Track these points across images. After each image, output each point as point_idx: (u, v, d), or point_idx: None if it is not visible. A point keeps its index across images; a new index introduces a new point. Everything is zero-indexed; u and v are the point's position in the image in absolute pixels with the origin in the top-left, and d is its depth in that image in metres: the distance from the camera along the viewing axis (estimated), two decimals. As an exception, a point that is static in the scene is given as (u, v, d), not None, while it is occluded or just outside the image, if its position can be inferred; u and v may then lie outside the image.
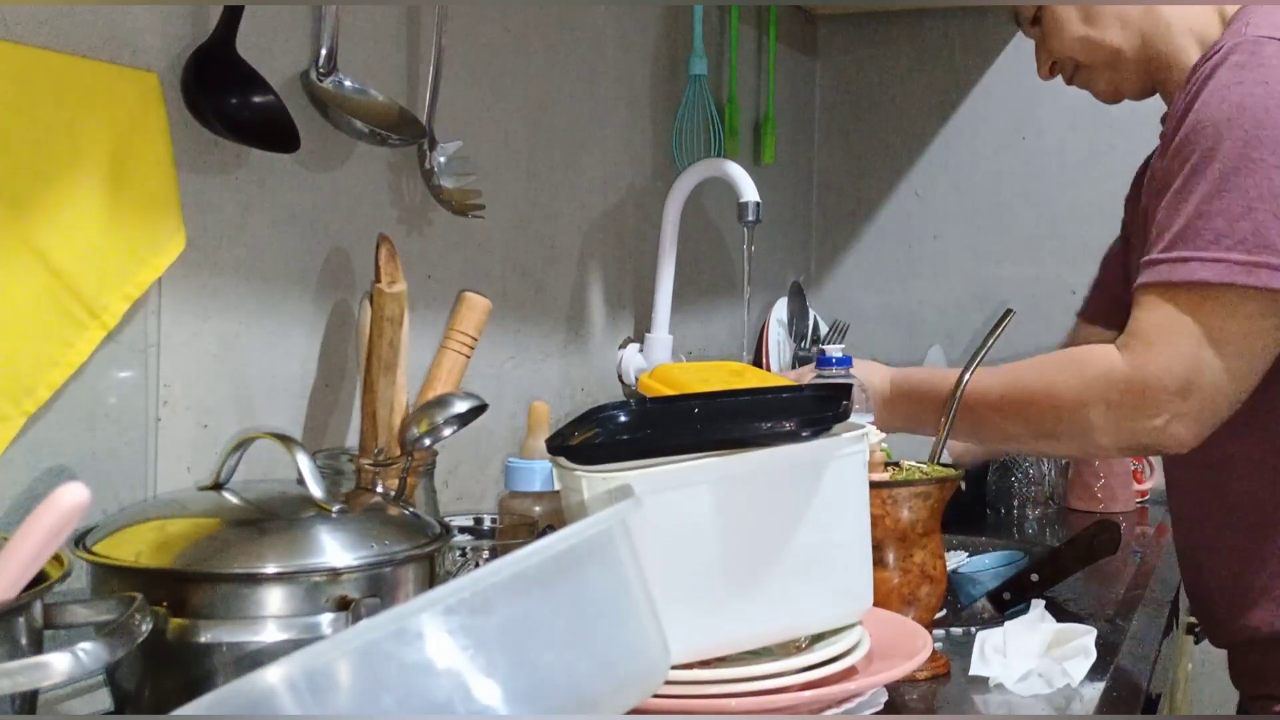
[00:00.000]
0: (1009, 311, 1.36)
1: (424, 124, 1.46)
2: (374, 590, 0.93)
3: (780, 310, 2.56)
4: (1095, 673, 1.22)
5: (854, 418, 1.08)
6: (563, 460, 1.03)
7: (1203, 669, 2.41)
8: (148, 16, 1.15)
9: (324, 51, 1.31)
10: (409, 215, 1.52)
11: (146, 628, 0.81)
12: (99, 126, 1.08)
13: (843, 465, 1.04)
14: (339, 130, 1.35)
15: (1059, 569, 1.54)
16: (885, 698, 1.09)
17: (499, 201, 1.66)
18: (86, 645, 0.74)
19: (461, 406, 1.24)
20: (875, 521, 1.14)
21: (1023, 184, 2.80)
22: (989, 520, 2.17)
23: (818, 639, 1.07)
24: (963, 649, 1.26)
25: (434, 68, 1.47)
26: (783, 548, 1.02)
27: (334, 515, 0.96)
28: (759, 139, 2.59)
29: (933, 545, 1.24)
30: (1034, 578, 1.51)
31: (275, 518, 0.97)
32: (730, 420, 1.12)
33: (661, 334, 2.03)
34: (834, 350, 2.29)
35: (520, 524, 1.35)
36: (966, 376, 1.32)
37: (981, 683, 1.20)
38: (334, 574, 0.92)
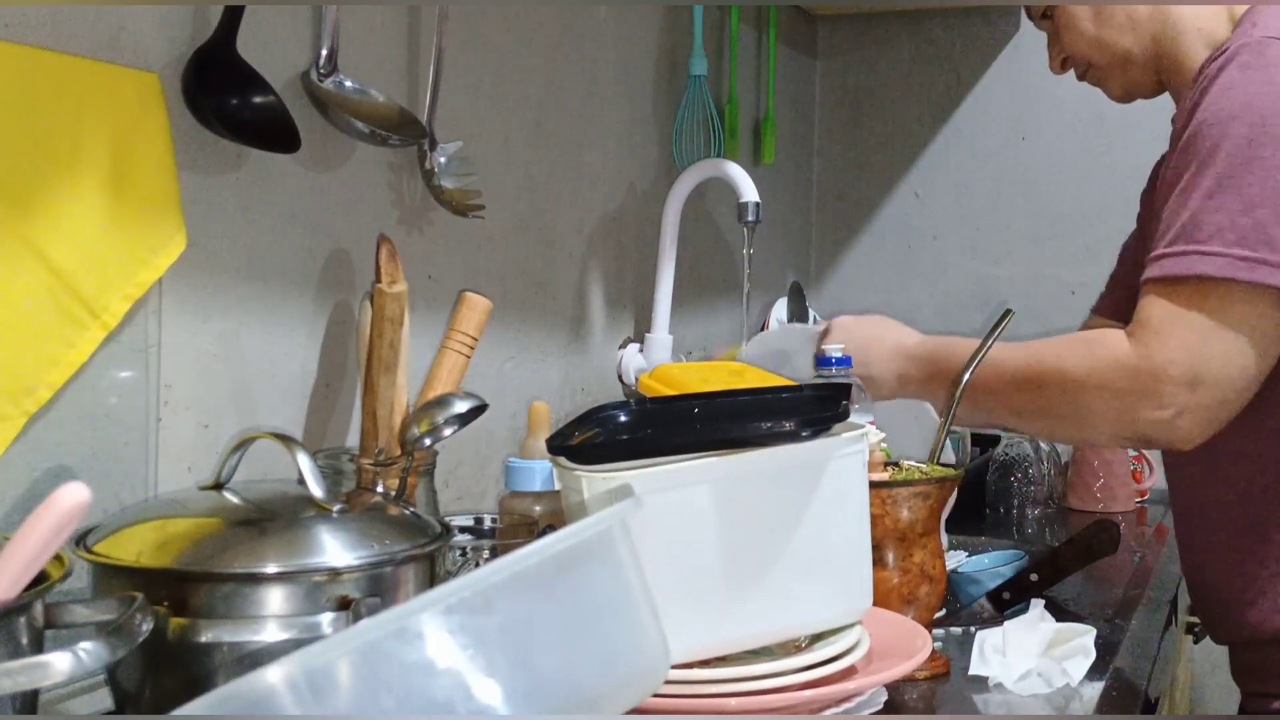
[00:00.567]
0: (1008, 311, 1.36)
1: (424, 124, 1.46)
2: (374, 590, 0.93)
3: (780, 310, 2.56)
4: (1094, 672, 1.22)
5: (853, 417, 1.08)
6: (563, 460, 1.03)
7: (1202, 668, 2.41)
8: (148, 17, 1.15)
9: (324, 52, 1.32)
10: (409, 215, 1.52)
11: (147, 627, 0.81)
12: (100, 127, 1.08)
13: (842, 465, 1.04)
14: (339, 131, 1.35)
15: (1058, 569, 1.54)
16: (885, 697, 1.09)
17: (499, 202, 1.66)
18: (87, 645, 0.74)
19: (462, 406, 1.24)
20: (875, 521, 1.14)
21: (1022, 184, 2.80)
22: (988, 520, 2.17)
23: (817, 638, 1.07)
24: (962, 649, 1.27)
25: (434, 68, 1.47)
26: (782, 547, 1.02)
27: (334, 515, 0.96)
28: (759, 139, 2.59)
29: (932, 545, 1.24)
30: (1033, 577, 1.51)
31: (276, 517, 0.97)
32: (730, 420, 1.12)
33: (661, 334, 2.03)
34: (833, 350, 2.30)
35: (520, 524, 1.35)
36: (966, 377, 1.32)
37: (981, 682, 1.20)
38: (334, 574, 0.92)
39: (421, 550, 0.98)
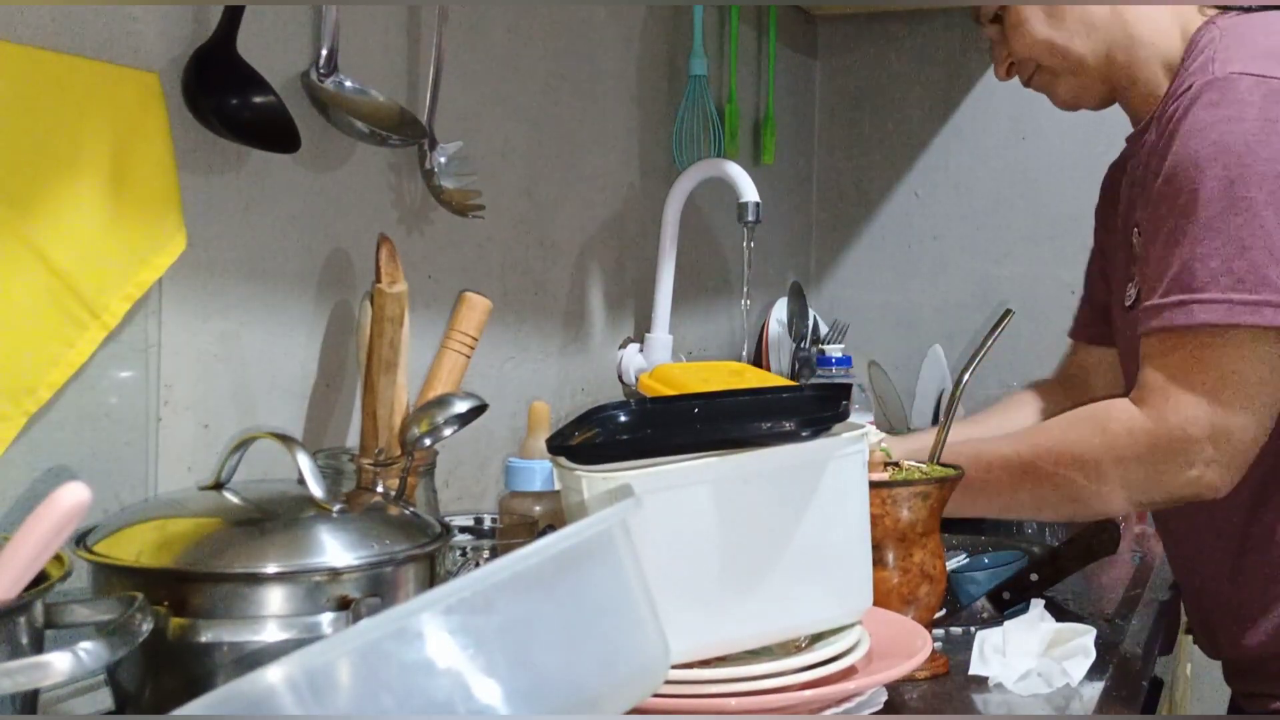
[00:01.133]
0: (1008, 311, 1.36)
1: (424, 124, 1.46)
2: (374, 590, 0.94)
3: (780, 310, 2.56)
4: (1094, 672, 1.22)
5: (853, 417, 1.08)
6: (563, 460, 1.03)
7: (1202, 668, 2.41)
8: (148, 17, 1.15)
9: (324, 52, 1.32)
10: (409, 215, 1.52)
11: (147, 627, 0.81)
12: (100, 127, 1.08)
13: (842, 465, 1.04)
14: (339, 131, 1.35)
15: (1058, 569, 1.54)
16: (885, 697, 1.09)
17: (499, 202, 1.66)
18: (87, 645, 0.74)
19: (462, 406, 1.24)
20: (875, 521, 1.14)
21: (1022, 184, 2.80)
22: (988, 520, 2.16)
23: (817, 638, 1.07)
24: (962, 648, 1.26)
25: (434, 68, 1.47)
26: (782, 547, 1.02)
27: (334, 515, 0.96)
28: (759, 139, 2.59)
29: (932, 545, 1.24)
30: (1033, 577, 1.51)
31: (276, 517, 0.97)
32: (730, 420, 1.12)
33: (661, 334, 2.03)
34: (834, 350, 2.29)
35: (520, 524, 1.35)
36: (965, 378, 1.32)
37: (981, 682, 1.20)
38: (334, 574, 0.92)
39: (421, 550, 0.98)
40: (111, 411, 1.13)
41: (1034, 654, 1.22)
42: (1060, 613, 1.43)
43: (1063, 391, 1.69)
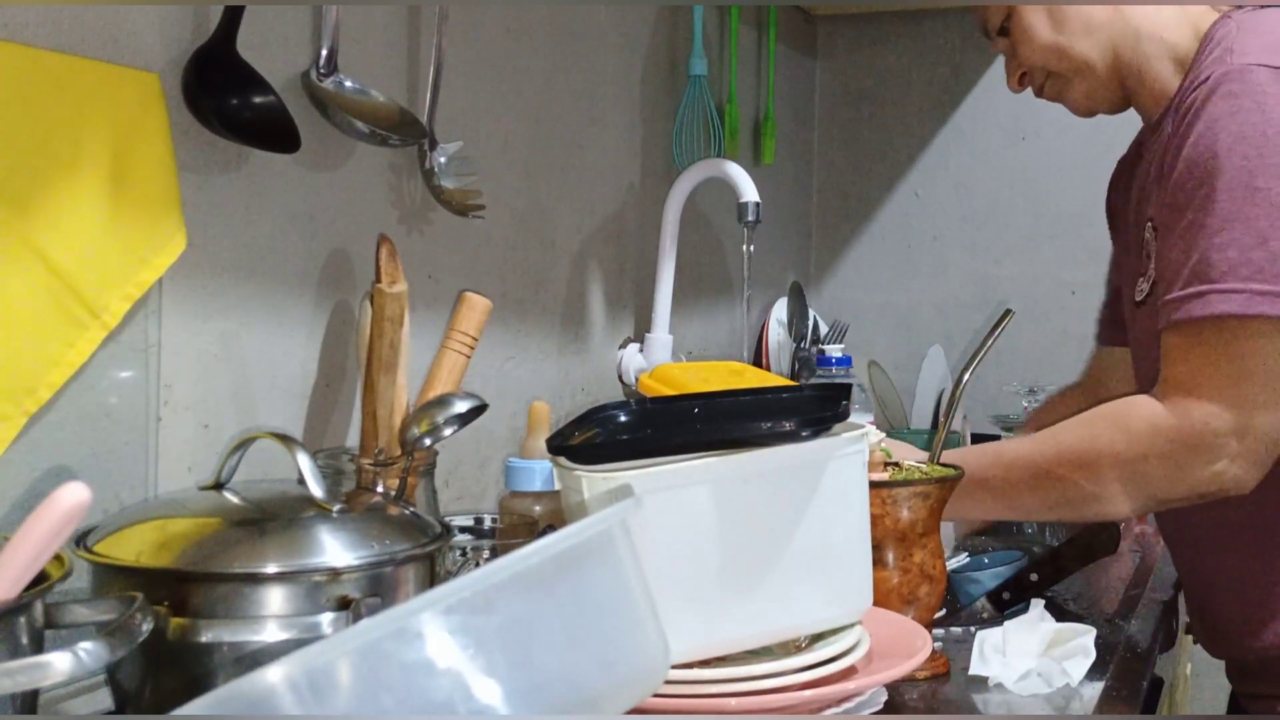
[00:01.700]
0: (1008, 311, 1.36)
1: (424, 124, 1.46)
2: (374, 590, 0.94)
3: (780, 310, 2.56)
4: (1094, 672, 1.22)
5: (853, 417, 1.08)
6: (563, 460, 1.03)
7: (1202, 668, 2.41)
8: (148, 17, 1.15)
9: (324, 52, 1.32)
10: (409, 215, 1.52)
11: (147, 627, 0.81)
12: (100, 127, 1.08)
13: (842, 465, 1.04)
14: (339, 131, 1.35)
15: (1058, 569, 1.54)
16: (885, 697, 1.09)
17: (499, 202, 1.66)
18: (87, 645, 0.74)
19: (462, 406, 1.24)
20: (875, 521, 1.14)
21: (1022, 184, 2.80)
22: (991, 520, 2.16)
23: (817, 638, 1.07)
24: (962, 648, 1.26)
25: (434, 68, 1.47)
26: (782, 547, 1.02)
27: (334, 515, 0.96)
28: (759, 139, 2.59)
29: (932, 545, 1.24)
30: (1033, 577, 1.51)
31: (276, 517, 0.97)
32: (730, 420, 1.12)
33: (661, 334, 2.03)
34: (833, 350, 2.29)
35: (520, 524, 1.35)
36: (965, 378, 1.32)
37: (981, 682, 1.20)
38: (334, 573, 0.92)
39: (421, 550, 0.98)
40: (111, 411, 1.13)
41: (1034, 654, 1.22)
42: (1060, 613, 1.43)
43: (1084, 395, 1.69)
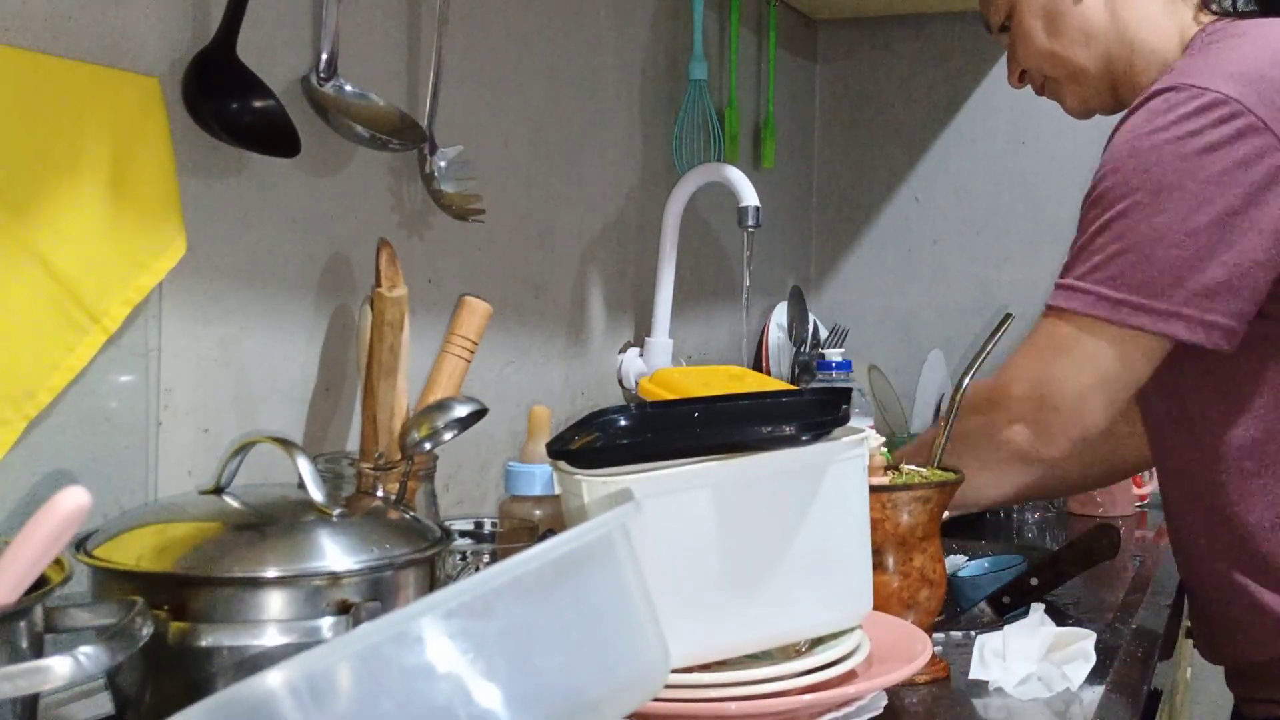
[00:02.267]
0: (1008, 316, 1.36)
1: (424, 128, 1.46)
2: (374, 594, 0.93)
3: (780, 314, 2.56)
4: (1095, 676, 1.22)
5: (853, 422, 1.08)
6: (563, 464, 1.03)
7: (1202, 673, 2.41)
8: (148, 21, 1.15)
9: (324, 56, 1.32)
10: (409, 220, 1.52)
11: (147, 632, 0.81)
12: (100, 131, 1.08)
13: (842, 469, 1.04)
14: (339, 135, 1.36)
15: (1058, 573, 1.54)
16: (885, 701, 1.09)
17: (499, 206, 1.66)
18: (87, 649, 0.74)
19: (462, 411, 1.24)
20: (875, 525, 1.14)
21: (1022, 189, 2.80)
22: (988, 524, 2.17)
23: (817, 643, 1.07)
24: (962, 653, 1.26)
25: (434, 72, 1.47)
26: (782, 552, 1.02)
27: (334, 519, 0.96)
28: (759, 144, 2.59)
29: (932, 549, 1.24)
30: (1033, 581, 1.51)
31: (276, 522, 0.97)
32: (730, 424, 1.12)
33: (661, 338, 2.03)
34: (834, 354, 2.29)
35: (520, 528, 1.35)
36: (966, 382, 1.32)
37: (981, 686, 1.20)
38: (334, 578, 0.92)
39: (421, 554, 0.98)
40: (111, 416, 1.13)
41: (1034, 658, 1.22)
42: (1060, 617, 1.43)
43: None
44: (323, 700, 0.63)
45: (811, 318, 2.58)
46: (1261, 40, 1.35)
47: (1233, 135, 1.27)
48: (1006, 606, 1.50)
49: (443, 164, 1.50)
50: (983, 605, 1.51)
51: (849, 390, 1.15)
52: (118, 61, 1.12)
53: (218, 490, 1.03)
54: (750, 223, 1.90)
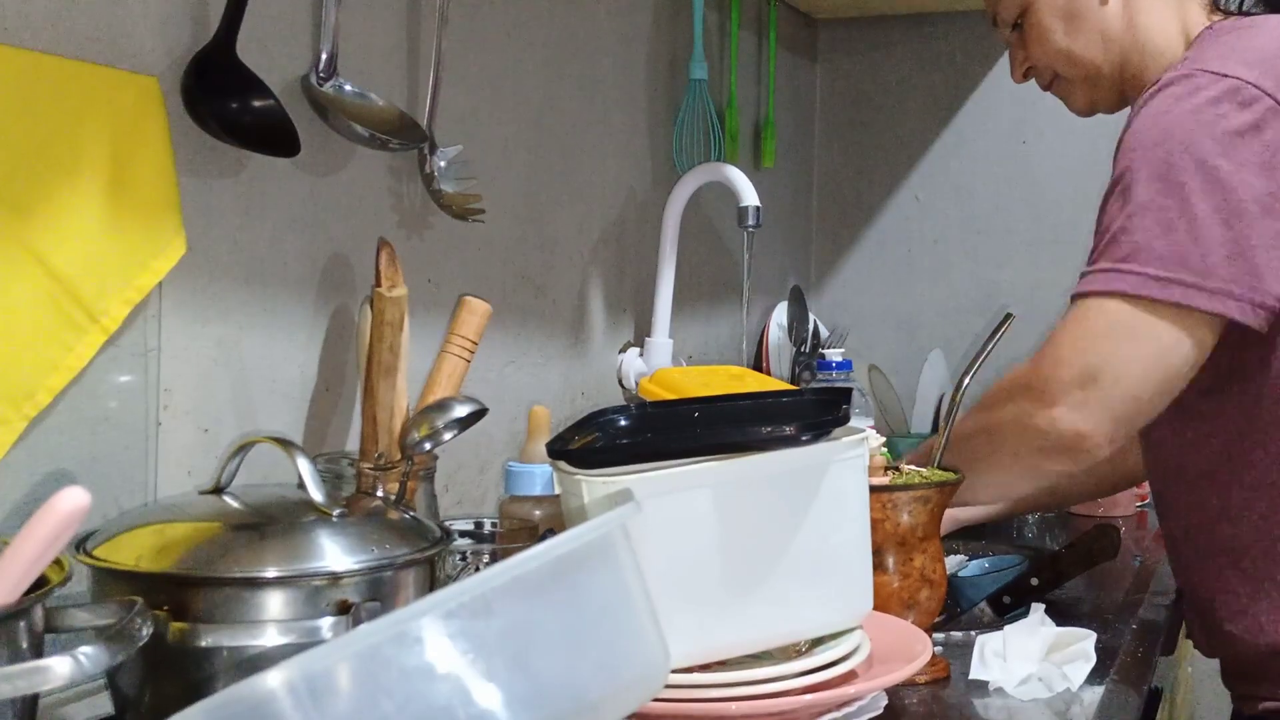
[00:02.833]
0: (1009, 316, 1.36)
1: (424, 128, 1.46)
2: (374, 594, 0.93)
3: (780, 314, 2.56)
4: (1095, 677, 1.22)
5: (853, 422, 1.08)
6: (563, 464, 1.03)
7: (1203, 672, 2.41)
8: (148, 20, 1.15)
9: (324, 56, 1.32)
10: (409, 219, 1.52)
11: (147, 632, 0.81)
12: (99, 130, 1.08)
13: (843, 469, 1.04)
14: (339, 134, 1.35)
15: (1059, 573, 1.54)
16: (885, 702, 1.09)
17: (499, 206, 1.66)
18: (87, 649, 0.74)
19: (462, 411, 1.24)
20: (875, 525, 1.14)
21: (1023, 188, 2.80)
22: (988, 525, 2.16)
23: (818, 643, 1.07)
24: (962, 653, 1.26)
25: (434, 72, 1.47)
26: (783, 552, 1.02)
27: (334, 519, 0.96)
28: (759, 143, 2.59)
29: (932, 549, 1.24)
30: (1034, 582, 1.51)
31: (275, 522, 0.97)
32: (730, 424, 1.12)
33: (661, 338, 2.03)
34: (834, 354, 2.29)
35: (520, 528, 1.35)
36: (966, 382, 1.32)
37: (981, 687, 1.20)
38: (334, 578, 0.92)
39: (421, 555, 0.98)
40: (111, 416, 1.13)
41: (1034, 658, 1.22)
42: (1061, 617, 1.42)
43: None
44: (322, 700, 0.63)
45: (812, 317, 2.58)
46: (1271, 29, 1.37)
47: (1257, 119, 1.27)
48: (1007, 606, 1.50)
49: (443, 164, 1.50)
50: (983, 605, 1.51)
51: (849, 390, 1.15)
52: (117, 61, 1.12)
53: (217, 490, 1.03)
54: (750, 222, 1.90)
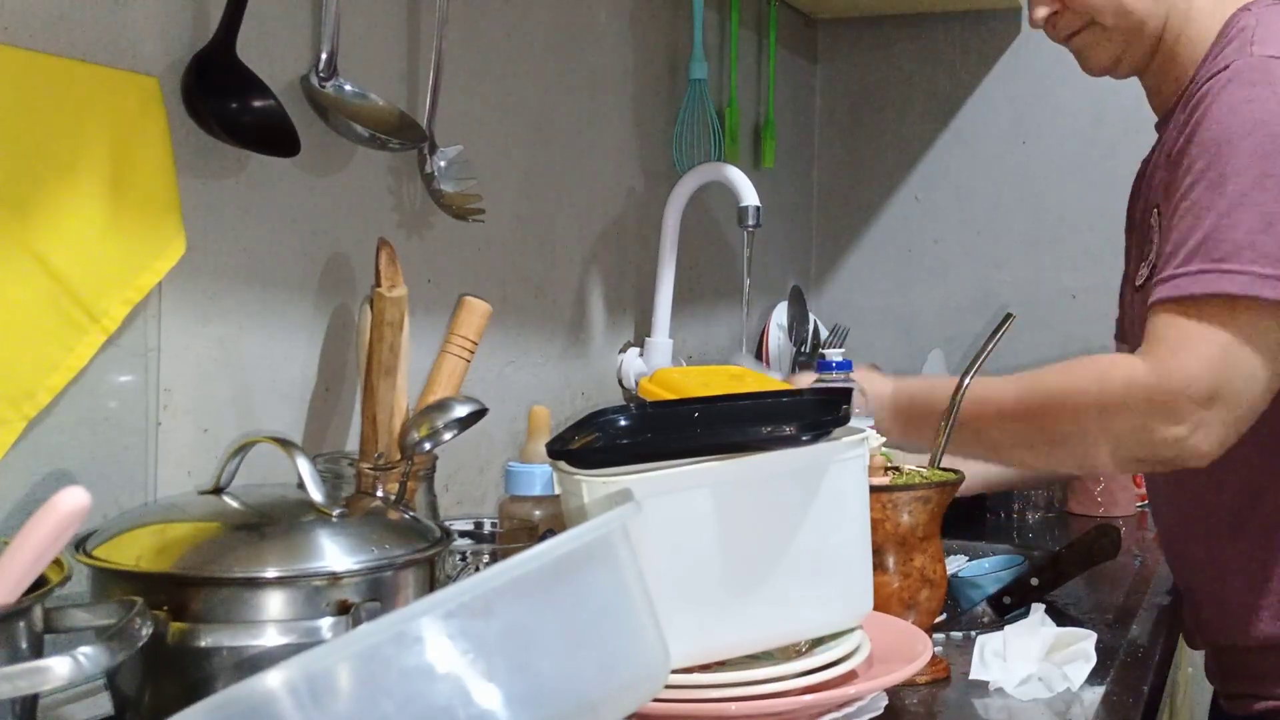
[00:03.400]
0: (1009, 315, 1.36)
1: (424, 128, 1.46)
2: (374, 594, 0.93)
3: (780, 314, 2.56)
4: (1095, 677, 1.22)
5: (854, 422, 1.08)
6: (563, 464, 1.03)
7: (1202, 672, 2.41)
8: (148, 21, 1.15)
9: (324, 55, 1.32)
10: (409, 219, 1.52)
11: (147, 632, 0.81)
12: (99, 130, 1.08)
13: (843, 469, 1.04)
14: (339, 135, 1.35)
15: (1059, 573, 1.54)
16: (885, 702, 1.09)
17: (499, 206, 1.66)
18: (87, 649, 0.74)
19: (462, 410, 1.24)
20: (875, 525, 1.14)
21: (1022, 188, 2.80)
22: (989, 524, 2.17)
23: (818, 643, 1.07)
24: (963, 653, 1.26)
25: (434, 72, 1.47)
26: (783, 552, 1.02)
27: (334, 519, 0.96)
28: (759, 143, 2.59)
29: (933, 549, 1.24)
30: (1034, 582, 1.51)
31: (275, 522, 0.97)
32: (730, 424, 1.12)
33: (661, 338, 2.03)
34: (834, 354, 2.29)
35: (520, 528, 1.35)
36: (966, 381, 1.32)
37: (981, 687, 1.20)
38: (334, 578, 0.92)
39: (421, 555, 0.98)
40: (111, 416, 1.13)
41: (1034, 658, 1.22)
42: (1061, 617, 1.43)
43: None
44: (322, 700, 0.63)
45: (812, 317, 2.58)
46: None
47: None
48: (1007, 606, 1.50)
49: (442, 164, 1.50)
50: (983, 605, 1.51)
51: (849, 390, 1.15)
52: (117, 61, 1.12)
53: (217, 490, 1.03)
54: (750, 222, 1.90)
